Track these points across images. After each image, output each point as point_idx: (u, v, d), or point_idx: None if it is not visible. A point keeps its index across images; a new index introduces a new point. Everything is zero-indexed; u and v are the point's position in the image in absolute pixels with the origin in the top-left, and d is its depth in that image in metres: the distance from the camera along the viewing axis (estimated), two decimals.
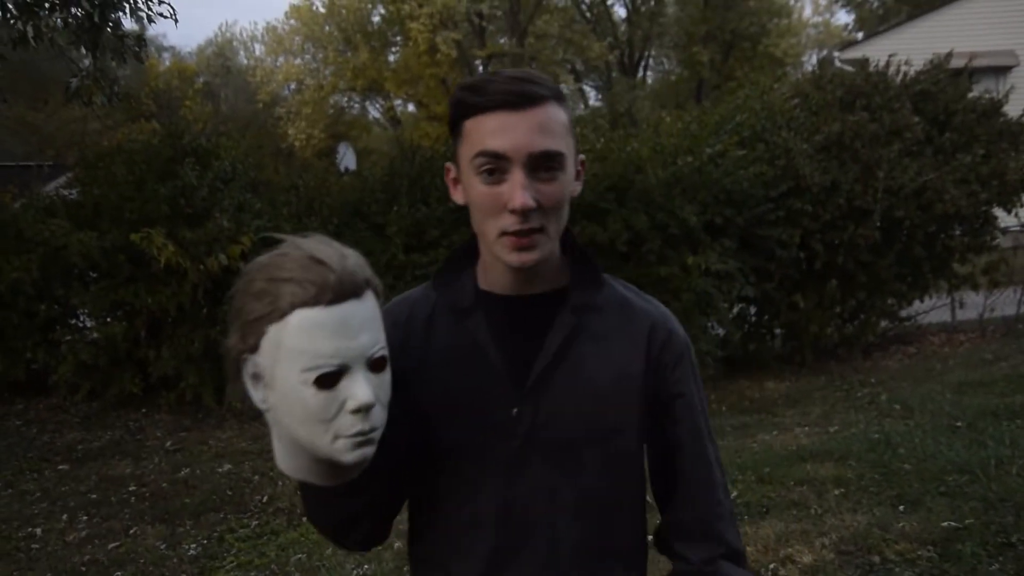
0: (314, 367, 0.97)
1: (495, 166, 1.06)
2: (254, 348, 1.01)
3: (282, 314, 0.97)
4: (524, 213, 1.05)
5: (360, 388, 0.98)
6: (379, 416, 1.02)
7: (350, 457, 1.00)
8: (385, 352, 1.03)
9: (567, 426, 1.14)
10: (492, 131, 1.06)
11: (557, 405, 1.14)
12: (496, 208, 1.08)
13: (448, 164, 1.17)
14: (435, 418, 1.17)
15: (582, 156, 1.18)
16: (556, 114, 1.08)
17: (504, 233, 1.08)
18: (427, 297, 1.24)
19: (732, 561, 1.22)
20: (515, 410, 1.14)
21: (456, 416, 1.16)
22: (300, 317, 0.97)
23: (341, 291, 0.98)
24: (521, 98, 1.06)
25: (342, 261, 0.99)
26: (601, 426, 1.15)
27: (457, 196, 1.17)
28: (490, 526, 1.15)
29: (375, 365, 1.01)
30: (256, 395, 1.04)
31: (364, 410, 0.99)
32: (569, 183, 1.11)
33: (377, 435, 1.02)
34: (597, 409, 1.15)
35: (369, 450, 1.01)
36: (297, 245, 1.01)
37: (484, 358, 1.16)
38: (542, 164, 1.06)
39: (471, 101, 1.08)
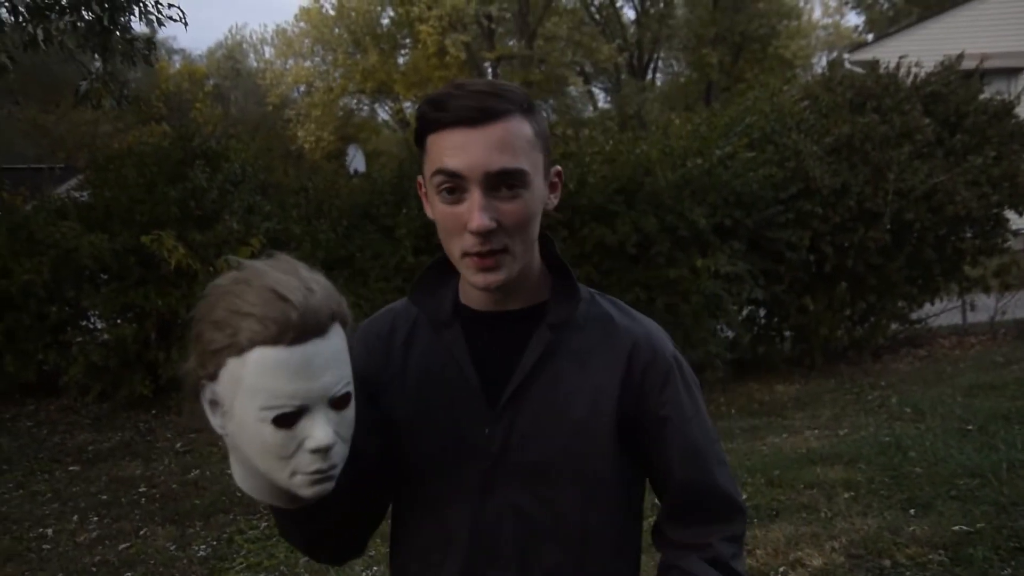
0: (272, 407, 0.93)
1: (454, 185, 1.03)
2: (212, 377, 0.96)
3: (241, 350, 0.92)
4: (484, 234, 1.02)
5: (319, 429, 0.94)
6: (339, 453, 0.98)
7: (307, 492, 0.97)
8: (349, 389, 0.98)
9: (540, 448, 1.10)
10: (449, 149, 1.02)
11: (530, 426, 1.11)
12: (457, 228, 1.04)
13: (419, 178, 1.14)
14: (407, 432, 1.15)
15: (557, 167, 1.14)
16: (519, 128, 1.04)
17: (466, 254, 1.05)
18: (409, 310, 1.22)
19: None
20: (487, 430, 1.11)
21: (427, 432, 1.14)
22: (259, 355, 0.92)
23: (304, 330, 0.92)
24: (480, 114, 1.01)
25: (306, 297, 0.93)
26: (574, 449, 1.11)
27: (428, 211, 1.12)
28: (461, 546, 1.13)
29: (337, 403, 0.97)
30: (215, 420, 0.99)
31: (323, 451, 0.95)
32: (535, 200, 1.06)
33: (336, 471, 0.98)
34: (571, 431, 1.11)
35: (327, 485, 0.98)
36: (260, 274, 0.95)
37: (459, 374, 1.13)
38: (502, 183, 1.02)
39: (432, 116, 1.04)
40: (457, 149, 1.02)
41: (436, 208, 1.07)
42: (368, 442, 1.08)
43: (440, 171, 1.03)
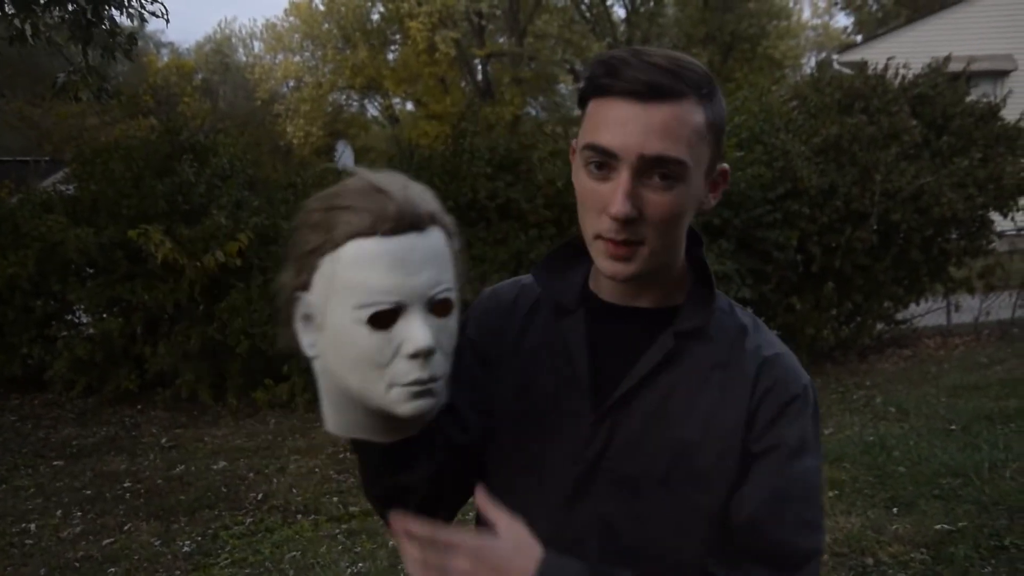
0: (368, 304, 0.88)
1: (603, 161, 0.95)
2: (306, 285, 0.93)
3: (335, 245, 0.89)
4: (623, 221, 0.94)
5: (418, 330, 0.89)
6: (440, 365, 0.92)
7: (406, 408, 0.91)
8: (450, 295, 0.93)
9: (640, 461, 1.01)
10: (608, 122, 0.94)
11: (633, 435, 1.02)
12: (596, 207, 0.96)
13: (572, 142, 1.03)
14: (505, 415, 1.08)
15: (725, 166, 1.04)
16: (690, 115, 0.94)
17: (599, 236, 0.97)
18: (534, 286, 1.14)
19: None
20: (588, 431, 1.03)
21: (525, 420, 1.07)
22: (355, 248, 0.89)
23: (401, 222, 0.89)
24: (650, 90, 0.92)
25: (404, 189, 0.91)
26: (675, 469, 1.01)
27: (574, 178, 1.03)
28: None
29: (438, 308, 0.92)
30: (305, 339, 0.95)
31: (422, 355, 0.89)
32: (689, 196, 0.97)
33: (438, 387, 0.92)
34: (676, 450, 1.01)
35: (427, 402, 0.91)
36: (361, 175, 0.93)
37: (570, 366, 1.06)
38: (655, 170, 0.93)
39: (600, 81, 0.95)
40: (616, 124, 0.93)
41: (580, 180, 0.99)
42: (469, 415, 1.04)
43: (592, 145, 0.95)
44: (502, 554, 0.90)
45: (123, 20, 6.82)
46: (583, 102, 0.99)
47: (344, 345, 0.91)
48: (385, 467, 1.01)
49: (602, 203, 0.95)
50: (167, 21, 6.83)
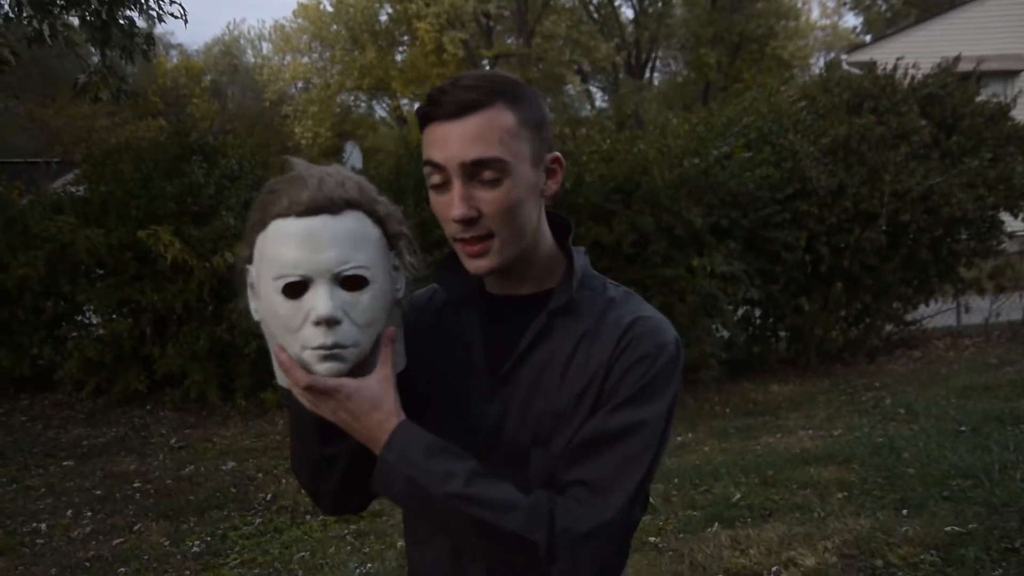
0: (281, 275, 1.01)
1: (440, 177, 1.08)
2: (250, 258, 1.08)
3: (264, 224, 1.04)
4: (465, 222, 1.07)
5: (320, 301, 1.00)
6: (349, 333, 1.03)
7: (318, 368, 1.03)
8: (361, 272, 1.03)
9: (524, 429, 1.13)
10: (434, 142, 1.08)
11: (519, 407, 1.14)
12: (444, 216, 1.10)
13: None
14: (419, 397, 1.18)
15: (555, 154, 1.16)
16: (499, 119, 1.07)
17: (455, 239, 1.11)
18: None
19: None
20: (484, 407, 1.15)
21: (433, 404, 1.19)
22: (275, 226, 1.03)
23: (312, 205, 1.01)
24: (459, 108, 1.06)
25: (321, 180, 1.03)
26: (547, 430, 1.12)
27: None
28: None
29: (347, 282, 1.02)
30: (252, 305, 1.09)
31: (324, 323, 1.00)
32: (519, 187, 1.08)
33: (349, 353, 1.03)
34: (549, 415, 1.12)
35: (337, 365, 1.03)
36: (295, 164, 1.08)
37: (469, 352, 1.18)
38: (478, 172, 1.06)
39: (424, 111, 1.09)
40: (439, 142, 1.07)
41: (430, 197, 1.12)
42: None
43: (426, 163, 1.09)
44: (362, 405, 1.05)
45: (139, 21, 6.86)
46: (421, 131, 1.12)
47: (270, 311, 1.05)
48: (313, 433, 1.13)
49: (447, 212, 1.08)
50: (185, 21, 6.86)
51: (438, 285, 1.26)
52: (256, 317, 1.09)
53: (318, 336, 1.01)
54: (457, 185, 1.07)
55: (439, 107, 1.07)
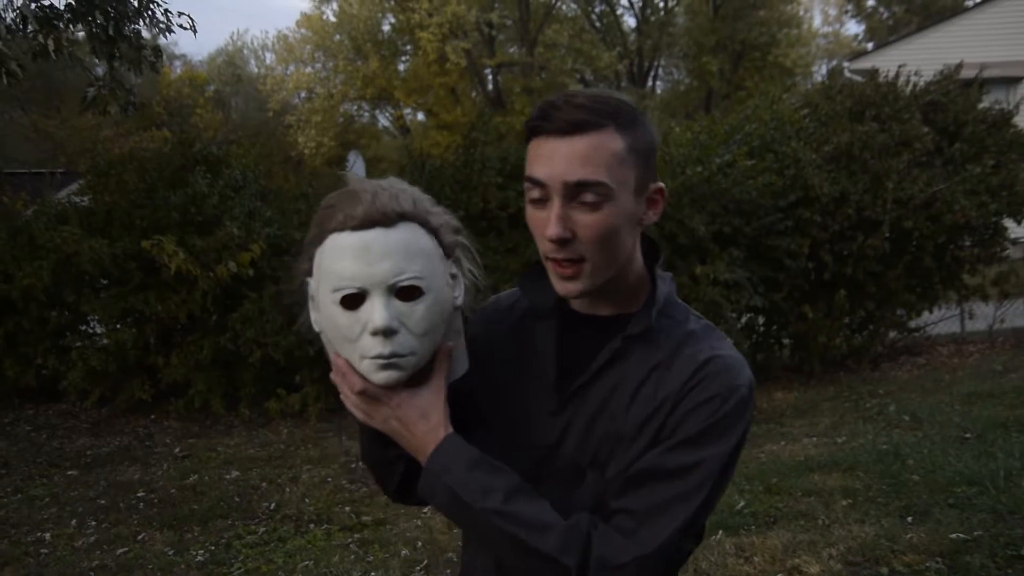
0: (338, 288, 1.06)
1: (540, 193, 1.08)
2: (309, 271, 1.13)
3: (322, 238, 1.09)
4: (559, 242, 1.07)
5: (376, 312, 1.04)
6: (406, 342, 1.06)
7: (377, 378, 1.07)
8: (416, 283, 1.07)
9: (585, 449, 1.13)
10: (538, 157, 1.08)
11: (583, 426, 1.13)
12: (539, 232, 1.10)
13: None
14: (485, 404, 1.21)
15: (659, 185, 1.15)
16: (608, 142, 1.06)
17: (547, 258, 1.11)
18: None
19: None
20: (549, 421, 1.16)
21: (499, 411, 1.20)
22: (331, 240, 1.07)
23: (367, 219, 1.05)
24: (570, 126, 1.05)
25: (375, 194, 1.07)
26: (605, 453, 1.12)
27: None
28: None
29: (402, 293, 1.06)
30: (313, 316, 1.14)
31: (381, 333, 1.04)
32: (619, 213, 1.08)
33: (406, 362, 1.07)
34: (610, 439, 1.12)
35: (395, 374, 1.07)
36: (350, 180, 1.12)
37: (540, 365, 1.19)
38: (580, 193, 1.06)
39: (534, 124, 1.09)
40: (544, 158, 1.07)
41: (526, 211, 1.13)
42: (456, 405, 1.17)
43: (528, 178, 1.10)
44: (411, 414, 1.10)
45: (146, 33, 6.90)
46: (526, 143, 1.12)
47: (329, 322, 1.09)
48: (376, 436, 1.16)
49: (542, 229, 1.09)
50: (195, 32, 6.89)
51: (521, 292, 1.27)
52: (316, 328, 1.14)
53: (376, 346, 1.05)
54: (556, 204, 1.06)
55: (548, 122, 1.07)
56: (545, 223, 1.08)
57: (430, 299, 1.08)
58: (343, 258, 1.05)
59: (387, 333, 1.04)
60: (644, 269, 1.19)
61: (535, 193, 1.09)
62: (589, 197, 1.06)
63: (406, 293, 1.06)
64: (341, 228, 1.06)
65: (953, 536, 3.55)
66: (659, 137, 1.16)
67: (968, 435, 5.06)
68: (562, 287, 1.11)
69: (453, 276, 1.15)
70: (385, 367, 1.06)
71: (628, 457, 1.10)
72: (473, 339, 1.24)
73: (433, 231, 1.11)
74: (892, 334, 8.08)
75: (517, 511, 1.05)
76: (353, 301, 1.05)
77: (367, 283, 1.05)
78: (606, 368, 1.13)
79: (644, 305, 1.16)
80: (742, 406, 1.10)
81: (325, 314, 1.09)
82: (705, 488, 1.07)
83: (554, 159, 1.06)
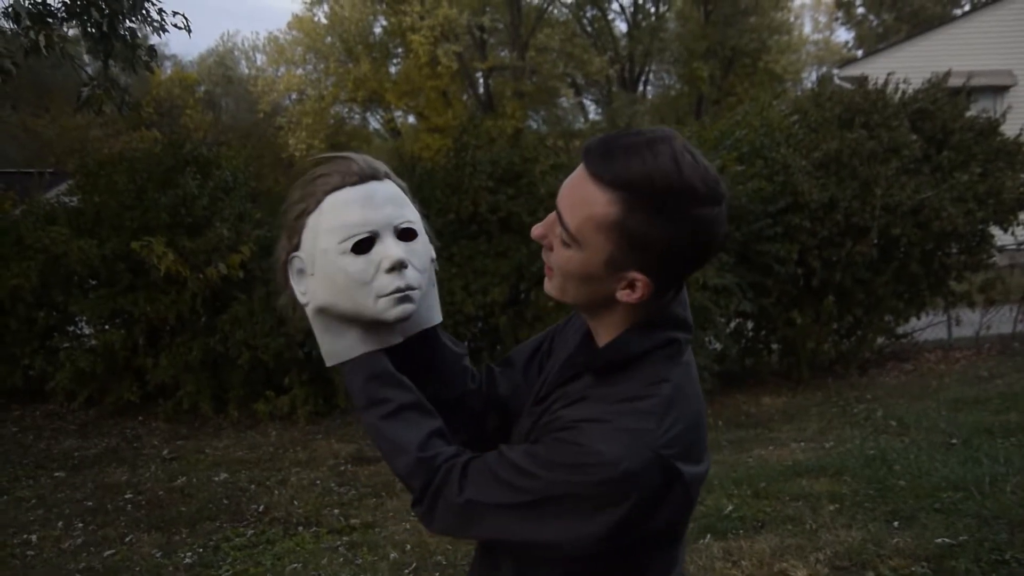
0: (350, 236, 1.14)
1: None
2: (297, 245, 1.19)
3: (317, 203, 1.17)
4: (539, 242, 1.13)
5: (391, 248, 1.15)
6: (415, 277, 1.17)
7: (393, 313, 1.15)
8: (412, 225, 1.20)
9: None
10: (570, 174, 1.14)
11: (523, 427, 1.20)
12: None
13: None
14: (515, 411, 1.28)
15: (644, 277, 1.04)
16: (599, 207, 1.01)
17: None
18: None
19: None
20: (523, 420, 1.22)
21: (526, 400, 1.26)
22: (331, 199, 1.17)
23: (363, 174, 1.18)
24: (589, 165, 1.04)
25: (364, 157, 1.21)
26: None
27: None
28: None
29: (403, 234, 1.18)
30: (299, 289, 1.20)
31: (398, 267, 1.14)
32: (581, 269, 1.06)
33: (416, 295, 1.17)
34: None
35: (409, 306, 1.16)
36: (328, 154, 1.22)
37: (551, 369, 1.25)
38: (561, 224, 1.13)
39: (584, 146, 1.10)
40: (569, 179, 1.08)
41: None
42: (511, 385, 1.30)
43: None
44: None
45: (140, 32, 6.86)
46: None
47: (335, 275, 1.15)
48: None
49: None
50: (189, 31, 6.86)
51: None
52: (304, 300, 1.20)
53: (393, 281, 1.14)
54: (552, 215, 1.09)
55: (587, 153, 1.04)
56: None
57: (422, 240, 1.21)
58: (350, 209, 1.15)
59: (402, 266, 1.14)
60: (625, 326, 1.10)
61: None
62: (560, 231, 1.06)
63: (406, 234, 1.18)
64: (340, 187, 1.16)
65: (939, 541, 3.57)
66: (680, 233, 1.01)
67: (954, 441, 5.10)
68: (545, 282, 1.15)
69: (427, 232, 1.26)
70: (402, 300, 1.14)
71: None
72: (543, 340, 1.35)
73: (403, 188, 1.25)
74: (880, 340, 8.12)
75: (384, 428, 1.16)
76: (364, 245, 1.14)
77: (377, 226, 1.15)
78: (561, 385, 1.16)
79: (598, 353, 1.11)
80: (591, 471, 1.00)
81: (330, 269, 1.15)
82: (517, 495, 1.05)
83: (567, 184, 1.07)
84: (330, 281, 1.16)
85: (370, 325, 1.18)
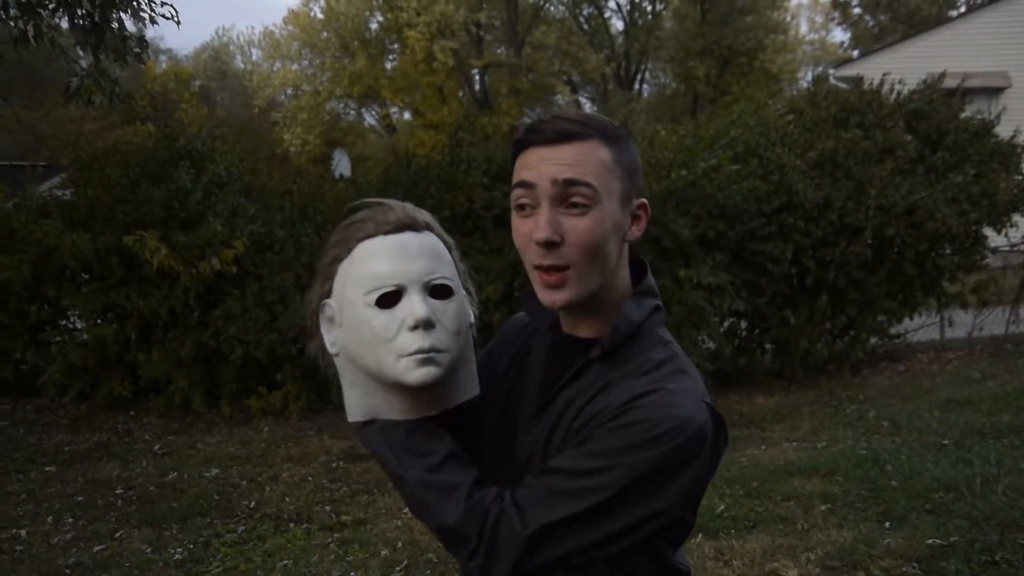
0: (375, 288, 1.07)
1: (527, 198, 1.09)
2: (329, 292, 1.14)
3: (349, 250, 1.11)
4: (547, 245, 1.06)
5: (416, 306, 1.06)
6: (443, 338, 1.08)
7: (413, 376, 1.05)
8: (447, 282, 1.11)
9: (542, 459, 1.13)
10: (527, 164, 1.10)
11: (543, 436, 1.14)
12: (526, 241, 1.10)
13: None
14: (489, 413, 1.25)
15: (642, 200, 1.16)
16: (594, 151, 1.08)
17: (534, 267, 1.11)
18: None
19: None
20: (523, 437, 1.18)
21: (493, 425, 1.24)
22: (362, 247, 1.10)
23: (399, 224, 1.11)
24: (559, 135, 1.08)
25: (401, 205, 1.14)
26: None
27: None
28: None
29: (435, 291, 1.09)
30: (328, 338, 1.14)
31: (422, 326, 1.05)
32: (605, 221, 1.08)
33: (443, 358, 1.07)
34: (556, 450, 1.12)
35: (433, 369, 1.06)
36: (370, 201, 1.17)
37: (531, 382, 1.21)
38: (568, 195, 1.07)
39: (521, 137, 1.12)
40: (533, 163, 1.09)
41: (513, 224, 1.14)
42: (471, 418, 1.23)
43: (517, 182, 1.11)
44: None
45: (131, 24, 6.81)
46: (514, 159, 1.14)
47: (359, 328, 1.08)
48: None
49: (531, 233, 1.09)
50: (178, 23, 6.80)
51: (524, 309, 1.27)
52: (333, 350, 1.14)
53: (415, 341, 1.05)
54: (545, 207, 1.07)
55: (537, 133, 1.09)
56: (532, 230, 1.08)
57: (458, 300, 1.12)
58: (379, 259, 1.08)
59: (427, 325, 1.05)
60: (629, 290, 1.18)
61: (524, 199, 1.10)
62: (577, 199, 1.06)
63: (439, 292, 1.10)
64: (373, 235, 1.10)
65: (930, 541, 3.58)
66: (640, 161, 1.18)
67: (946, 441, 5.11)
68: (548, 296, 1.10)
69: (468, 293, 1.19)
70: (424, 361, 1.05)
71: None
72: (489, 352, 1.31)
73: (448, 248, 1.17)
74: (873, 340, 8.13)
75: (432, 480, 1.10)
76: (389, 299, 1.07)
77: (404, 280, 1.07)
78: (565, 386, 1.14)
79: (611, 332, 1.13)
80: (670, 437, 1.02)
81: (355, 323, 1.09)
82: (593, 496, 1.04)
83: (543, 162, 1.07)
84: (356, 333, 1.09)
85: (395, 388, 1.09)
